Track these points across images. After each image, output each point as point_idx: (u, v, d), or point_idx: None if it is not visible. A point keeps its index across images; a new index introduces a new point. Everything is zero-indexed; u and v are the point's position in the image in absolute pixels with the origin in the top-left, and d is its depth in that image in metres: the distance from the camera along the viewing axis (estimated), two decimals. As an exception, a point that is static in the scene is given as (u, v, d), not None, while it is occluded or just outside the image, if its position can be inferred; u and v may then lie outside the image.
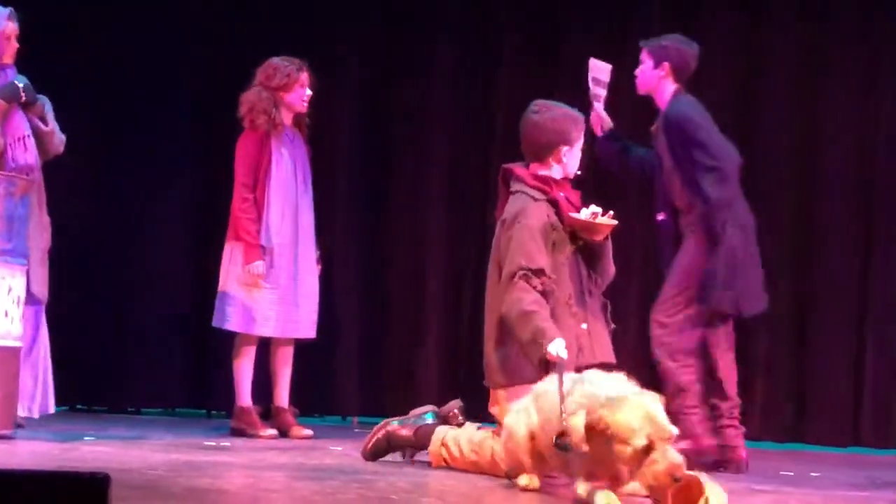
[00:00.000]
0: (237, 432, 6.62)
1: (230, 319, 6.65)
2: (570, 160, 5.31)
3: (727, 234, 5.77)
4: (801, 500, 4.61)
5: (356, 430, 7.06)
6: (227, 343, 6.85)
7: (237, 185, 6.65)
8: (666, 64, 5.94)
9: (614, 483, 4.16)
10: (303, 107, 6.78)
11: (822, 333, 7.48)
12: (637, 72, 6.05)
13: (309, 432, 6.70)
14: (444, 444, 5.24)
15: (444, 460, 5.23)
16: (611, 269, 5.33)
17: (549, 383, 4.56)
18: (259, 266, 6.59)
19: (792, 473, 5.83)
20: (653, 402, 4.13)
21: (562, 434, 4.27)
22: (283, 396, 6.80)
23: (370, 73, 7.95)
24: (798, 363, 7.51)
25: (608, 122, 6.18)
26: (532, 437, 4.58)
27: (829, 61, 7.55)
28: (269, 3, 8.02)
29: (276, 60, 6.75)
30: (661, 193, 6.01)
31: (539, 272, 5.04)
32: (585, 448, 4.13)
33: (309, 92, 6.77)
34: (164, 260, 7.87)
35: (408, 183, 7.97)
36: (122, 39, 7.88)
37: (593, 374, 4.43)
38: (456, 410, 5.41)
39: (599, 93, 6.13)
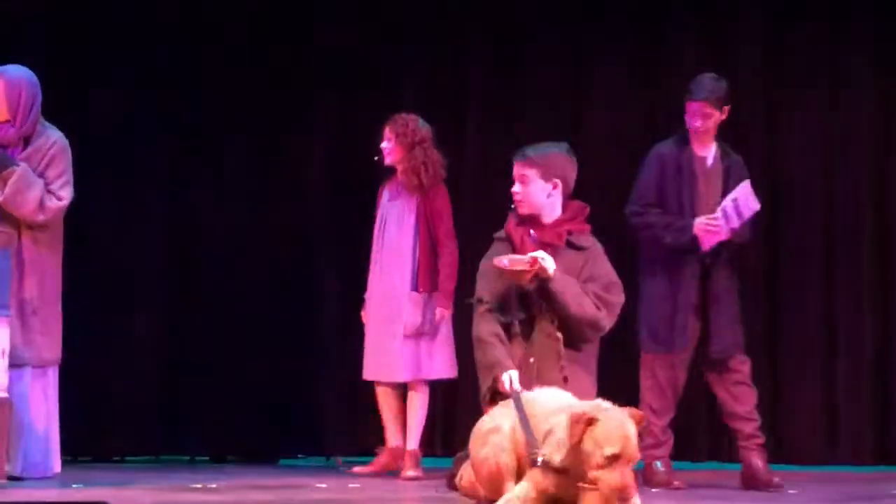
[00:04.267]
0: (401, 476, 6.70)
1: (447, 367, 6.81)
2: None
3: None
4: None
5: (342, 469, 7.12)
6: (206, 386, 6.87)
7: (446, 237, 6.80)
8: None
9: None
10: None
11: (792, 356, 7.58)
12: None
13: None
14: (459, 472, 5.18)
15: (456, 488, 5.20)
16: (579, 312, 5.23)
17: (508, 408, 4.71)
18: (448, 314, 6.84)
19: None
20: (630, 424, 4.26)
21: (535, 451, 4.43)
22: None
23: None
24: (772, 384, 7.59)
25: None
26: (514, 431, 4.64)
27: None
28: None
29: (412, 117, 6.90)
30: None
31: (479, 300, 5.29)
32: (566, 442, 4.24)
33: None
34: (137, 302, 7.86)
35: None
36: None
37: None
38: None
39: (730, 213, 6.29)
